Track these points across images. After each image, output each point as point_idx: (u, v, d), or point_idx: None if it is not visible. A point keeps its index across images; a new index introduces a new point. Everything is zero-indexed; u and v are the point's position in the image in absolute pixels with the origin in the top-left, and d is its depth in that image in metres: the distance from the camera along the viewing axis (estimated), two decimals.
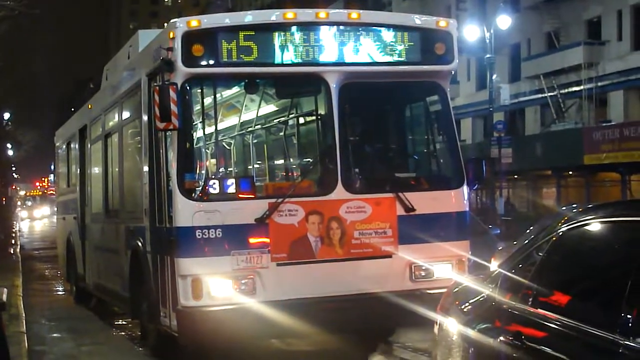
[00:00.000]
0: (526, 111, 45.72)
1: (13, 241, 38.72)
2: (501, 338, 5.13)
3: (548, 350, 4.66)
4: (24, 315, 15.17)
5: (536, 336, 4.79)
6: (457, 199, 10.77)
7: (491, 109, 38.70)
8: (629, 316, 4.03)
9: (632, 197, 33.62)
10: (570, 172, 39.13)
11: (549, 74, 42.40)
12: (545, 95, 42.32)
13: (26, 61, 48.86)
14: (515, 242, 13.10)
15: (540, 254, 5.24)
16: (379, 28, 10.63)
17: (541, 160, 38.20)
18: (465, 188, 10.85)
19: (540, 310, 4.84)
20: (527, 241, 5.59)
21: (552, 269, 5.12)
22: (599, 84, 40.09)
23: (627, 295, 4.10)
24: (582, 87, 40.82)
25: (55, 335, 14.77)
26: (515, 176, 42.69)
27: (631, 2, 38.99)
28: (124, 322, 15.11)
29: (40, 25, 42.71)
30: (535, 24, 43.95)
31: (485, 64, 39.07)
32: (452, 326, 6.06)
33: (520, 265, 5.47)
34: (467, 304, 6.06)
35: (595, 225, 4.90)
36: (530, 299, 5.03)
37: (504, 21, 38.79)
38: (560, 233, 5.11)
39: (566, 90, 41.86)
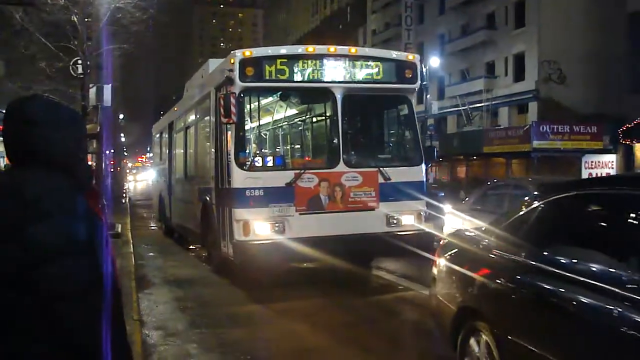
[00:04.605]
0: (448, 118, 44.99)
1: (124, 195, 38.41)
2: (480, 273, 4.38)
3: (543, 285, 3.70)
4: (131, 241, 15.03)
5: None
6: (418, 173, 10.19)
7: (426, 117, 38.16)
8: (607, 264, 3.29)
9: (512, 174, 33.28)
10: (475, 157, 38.54)
11: (462, 95, 41.88)
12: (460, 108, 41.80)
13: (133, 81, 48.26)
14: (463, 201, 12.41)
15: (528, 219, 4.22)
16: (369, 59, 10.05)
17: (457, 150, 37.62)
18: (423, 165, 10.29)
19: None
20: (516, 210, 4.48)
21: (538, 230, 4.12)
22: (493, 102, 39.53)
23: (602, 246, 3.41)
24: (482, 104, 40.22)
25: (150, 254, 14.55)
26: (440, 159, 42.27)
27: (513, 52, 38.33)
28: (195, 248, 14.65)
29: (142, 59, 42.03)
30: (454, 63, 43.23)
31: (422, 88, 38.56)
32: (444, 265, 5.28)
33: (511, 227, 4.37)
34: (453, 252, 5.16)
35: (565, 199, 4.03)
36: (523, 253, 4.02)
37: (435, 61, 38.75)
38: (542, 205, 4.16)
39: (473, 106, 41.28)
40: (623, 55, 30.52)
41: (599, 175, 30.18)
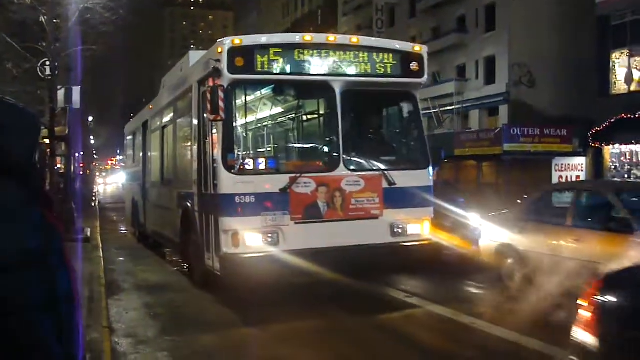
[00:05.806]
0: None
1: (93, 198, 36.84)
2: None
3: None
4: (101, 245, 14.50)
5: None
6: (425, 177, 8.93)
7: None
8: None
9: (483, 177, 32.57)
10: (446, 160, 37.60)
11: (434, 98, 40.88)
12: (431, 111, 40.87)
13: (103, 83, 46.80)
14: (501, 212, 10.13)
15: None
16: (372, 50, 8.72)
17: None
18: (430, 169, 9.05)
19: None
20: None
21: None
22: (464, 105, 38.82)
23: None
24: (453, 107, 39.40)
25: (121, 259, 13.80)
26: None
27: (484, 55, 37.65)
28: (168, 252, 13.74)
29: (109, 61, 40.66)
30: None
31: None
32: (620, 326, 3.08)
33: None
34: None
35: None
36: None
37: None
38: None
39: (444, 109, 40.38)
40: (591, 59, 30.03)
41: (569, 178, 29.69)
